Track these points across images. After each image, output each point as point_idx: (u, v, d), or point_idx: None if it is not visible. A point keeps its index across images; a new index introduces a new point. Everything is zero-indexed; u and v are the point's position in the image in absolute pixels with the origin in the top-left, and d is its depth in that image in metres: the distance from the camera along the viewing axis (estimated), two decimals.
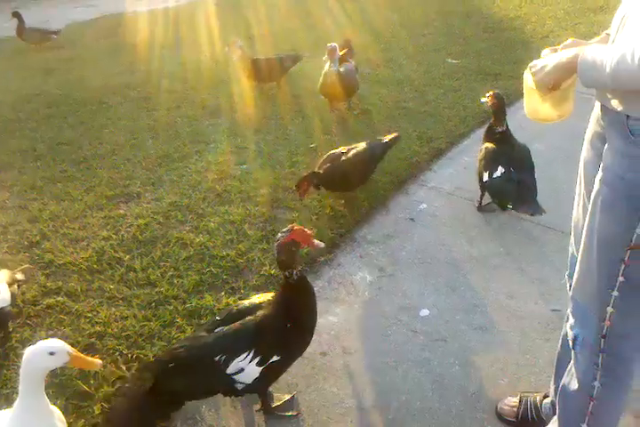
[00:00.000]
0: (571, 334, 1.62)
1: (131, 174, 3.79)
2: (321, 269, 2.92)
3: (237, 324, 1.91)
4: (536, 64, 1.50)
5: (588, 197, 1.50)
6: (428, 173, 3.87)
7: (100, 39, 7.27)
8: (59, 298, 2.66)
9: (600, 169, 1.42)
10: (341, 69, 4.39)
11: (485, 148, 3.27)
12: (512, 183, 3.08)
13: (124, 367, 2.27)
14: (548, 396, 2.04)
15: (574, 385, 1.63)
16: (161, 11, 8.39)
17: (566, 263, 1.80)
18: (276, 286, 2.20)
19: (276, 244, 1.89)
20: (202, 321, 2.48)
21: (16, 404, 1.65)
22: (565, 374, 1.70)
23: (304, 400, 2.18)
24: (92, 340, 2.41)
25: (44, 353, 1.60)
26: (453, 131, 4.37)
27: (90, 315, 2.56)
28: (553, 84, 1.47)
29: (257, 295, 2.09)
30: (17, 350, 2.34)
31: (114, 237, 3.11)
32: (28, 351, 1.62)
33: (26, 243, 3.08)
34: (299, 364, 2.31)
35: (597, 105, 1.49)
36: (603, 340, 1.51)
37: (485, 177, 3.19)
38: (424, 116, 4.62)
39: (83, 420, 2.07)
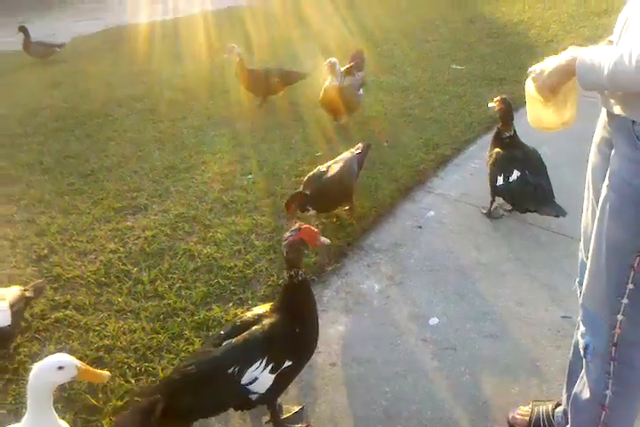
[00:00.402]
0: (582, 343, 1.61)
1: (138, 186, 3.80)
2: (329, 278, 2.91)
3: (245, 334, 1.91)
4: (535, 69, 1.50)
5: (597, 203, 1.49)
6: (434, 180, 3.86)
7: (104, 52, 7.32)
8: (67, 312, 2.66)
9: (607, 175, 1.41)
10: (345, 84, 4.32)
11: (496, 153, 3.26)
12: (530, 186, 3.07)
13: (132, 381, 2.26)
14: (560, 404, 2.01)
15: (586, 394, 1.62)
16: (162, 23, 8.45)
17: (576, 269, 1.78)
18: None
19: (284, 242, 1.93)
20: (210, 333, 2.47)
21: (24, 419, 1.65)
22: (577, 382, 1.68)
23: (314, 412, 2.17)
24: (101, 353, 2.41)
25: (52, 368, 1.60)
26: (459, 137, 4.36)
27: (98, 328, 2.56)
28: (553, 88, 1.46)
29: (258, 306, 2.09)
30: (26, 364, 2.33)
31: (121, 249, 3.11)
32: (37, 367, 1.62)
33: (34, 257, 3.09)
34: (308, 375, 2.31)
35: (604, 110, 1.48)
36: (614, 348, 1.49)
37: (500, 181, 3.18)
38: (429, 123, 4.61)
39: None
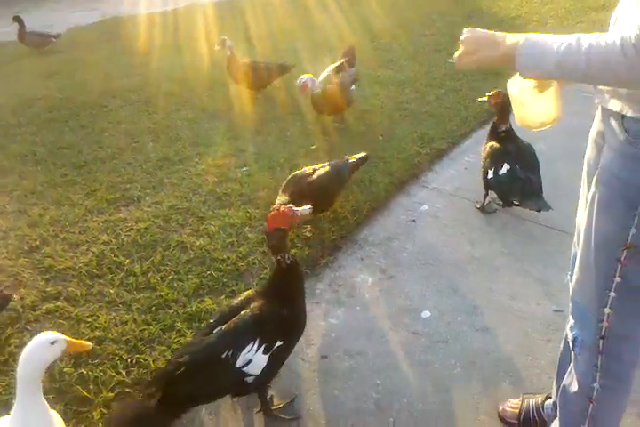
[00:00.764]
0: (570, 336, 1.61)
1: (131, 178, 3.78)
2: (322, 271, 2.91)
3: (235, 319, 1.93)
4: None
5: None
6: (429, 174, 3.85)
7: (100, 42, 7.28)
8: (58, 303, 2.65)
9: (598, 168, 1.41)
10: (329, 85, 4.21)
11: (490, 146, 3.26)
12: (518, 180, 3.07)
13: (123, 372, 2.26)
14: (550, 397, 2.02)
15: (574, 387, 1.62)
16: (160, 14, 8.40)
17: (569, 264, 1.78)
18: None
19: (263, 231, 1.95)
20: (202, 325, 2.46)
21: (14, 409, 1.65)
22: (566, 375, 1.69)
23: (305, 404, 2.17)
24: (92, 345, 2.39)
25: (46, 344, 1.63)
26: (454, 131, 4.35)
27: (89, 320, 2.55)
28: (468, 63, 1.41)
29: (245, 292, 2.11)
30: (16, 355, 2.30)
31: (114, 241, 3.10)
32: (30, 345, 1.63)
33: (26, 248, 3.07)
34: (300, 367, 2.31)
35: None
36: (601, 341, 1.49)
37: (490, 174, 3.19)
38: (425, 117, 4.60)
39: (82, 425, 2.06)
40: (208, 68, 5.84)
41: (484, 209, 3.38)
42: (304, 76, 4.11)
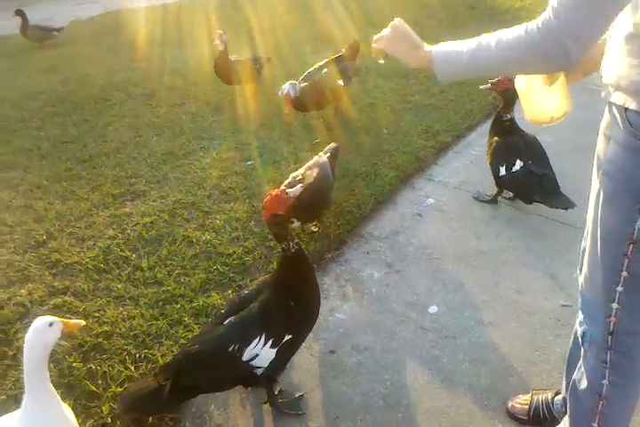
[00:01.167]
0: (580, 331, 1.61)
1: (136, 172, 3.78)
2: (328, 266, 2.90)
3: (243, 312, 1.92)
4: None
5: None
6: (434, 168, 3.84)
7: (102, 36, 7.25)
8: (66, 298, 2.65)
9: (604, 161, 1.40)
10: (305, 83, 4.03)
11: (495, 141, 3.23)
12: (534, 177, 3.03)
13: (131, 367, 2.26)
14: (559, 393, 2.01)
15: (584, 383, 1.62)
16: (162, 7, 8.37)
17: (577, 257, 1.78)
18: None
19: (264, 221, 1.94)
20: (209, 320, 2.46)
21: (25, 397, 1.66)
22: (576, 371, 1.68)
23: (313, 399, 2.17)
24: (100, 340, 2.40)
25: (45, 326, 1.67)
26: (459, 124, 4.34)
27: (97, 315, 2.55)
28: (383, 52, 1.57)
29: (255, 281, 2.09)
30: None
31: (120, 235, 3.09)
32: (31, 330, 1.67)
33: (32, 242, 3.07)
34: (307, 362, 2.31)
35: None
36: (610, 337, 1.49)
37: (502, 171, 3.15)
38: (429, 110, 4.59)
39: (91, 420, 2.06)
40: (211, 61, 5.80)
41: (477, 198, 3.42)
42: (285, 86, 3.88)
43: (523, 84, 1.58)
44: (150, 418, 2.06)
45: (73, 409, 2.04)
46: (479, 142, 3.99)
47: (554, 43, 1.19)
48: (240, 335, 1.88)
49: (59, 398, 1.72)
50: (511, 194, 3.35)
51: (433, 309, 2.60)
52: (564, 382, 1.95)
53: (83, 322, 1.82)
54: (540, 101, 1.58)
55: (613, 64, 1.30)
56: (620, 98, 1.29)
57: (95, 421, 2.06)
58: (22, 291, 2.70)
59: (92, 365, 2.27)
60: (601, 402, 1.58)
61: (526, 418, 2.02)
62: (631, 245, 1.35)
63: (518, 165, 3.08)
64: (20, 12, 6.75)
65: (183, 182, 3.62)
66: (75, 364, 2.28)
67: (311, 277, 2.04)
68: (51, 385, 1.69)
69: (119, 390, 2.16)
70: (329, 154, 3.14)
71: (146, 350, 2.34)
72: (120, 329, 2.45)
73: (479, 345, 2.39)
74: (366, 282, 2.79)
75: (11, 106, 5.03)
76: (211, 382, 1.91)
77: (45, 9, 8.74)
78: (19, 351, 2.35)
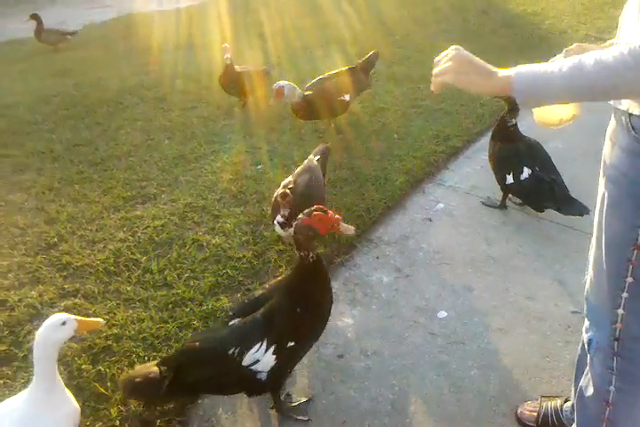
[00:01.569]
0: (586, 337, 1.60)
1: (147, 175, 3.80)
2: (337, 270, 2.90)
3: (249, 317, 1.90)
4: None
5: None
6: (444, 172, 3.83)
7: (116, 40, 7.31)
8: (76, 300, 2.67)
9: (608, 166, 1.40)
10: (305, 93, 3.94)
11: (499, 149, 3.18)
12: (544, 184, 2.99)
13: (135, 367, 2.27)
14: (569, 400, 2.00)
15: (590, 390, 1.61)
16: (175, 11, 8.43)
17: (587, 264, 1.77)
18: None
19: (295, 223, 1.86)
20: None
21: (30, 386, 1.72)
22: (582, 377, 1.67)
23: (321, 403, 2.17)
24: (109, 342, 2.41)
25: (57, 324, 1.71)
26: (470, 129, 4.33)
27: (107, 317, 2.56)
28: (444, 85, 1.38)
29: (266, 283, 2.07)
30: None
31: (130, 238, 3.11)
32: (42, 328, 1.70)
33: (43, 244, 3.09)
34: (315, 367, 2.31)
35: None
36: (616, 343, 1.48)
37: (510, 179, 3.12)
38: (440, 115, 4.58)
39: (100, 422, 2.07)
40: (220, 66, 5.83)
41: (486, 203, 3.41)
42: (282, 82, 3.85)
43: None
44: (158, 421, 2.06)
45: (82, 411, 2.06)
46: None
47: None
48: (242, 339, 1.87)
49: (64, 387, 1.78)
50: (519, 199, 3.34)
51: (442, 314, 2.60)
52: (573, 389, 1.93)
53: (102, 321, 1.84)
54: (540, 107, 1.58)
55: None
56: (624, 103, 1.29)
57: (104, 423, 2.07)
58: (33, 293, 2.72)
59: (101, 367, 2.28)
60: (608, 409, 1.57)
61: (535, 425, 2.00)
62: (635, 251, 1.34)
63: (526, 172, 3.04)
64: (35, 16, 6.82)
65: (194, 186, 3.64)
66: (84, 366, 2.29)
67: (324, 286, 1.97)
68: (58, 375, 1.74)
69: None
70: (319, 156, 3.12)
71: (155, 353, 2.35)
72: (129, 332, 2.46)
73: (488, 351, 2.38)
74: (375, 286, 2.79)
75: (24, 109, 5.08)
76: (210, 383, 1.90)
77: (58, 13, 8.82)
78: (29, 353, 2.37)
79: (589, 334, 1.58)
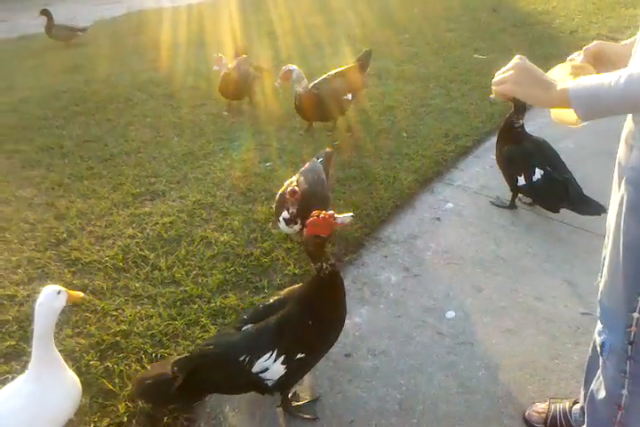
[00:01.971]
0: (599, 340, 1.58)
1: (156, 172, 3.81)
2: (346, 269, 2.90)
3: (261, 324, 1.90)
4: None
5: None
6: (454, 172, 3.82)
7: (126, 36, 7.32)
8: (84, 296, 2.67)
9: (627, 169, 1.38)
10: (304, 93, 3.97)
11: (507, 150, 3.14)
12: (558, 184, 2.96)
13: (148, 367, 2.27)
14: (577, 402, 1.99)
15: (602, 393, 1.59)
16: (185, 8, 8.43)
17: (597, 265, 1.75)
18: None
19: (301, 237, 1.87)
20: (226, 321, 2.47)
21: (30, 363, 1.80)
22: (594, 380, 1.66)
23: (328, 403, 2.16)
24: (118, 338, 2.42)
25: (54, 293, 1.84)
26: (480, 128, 4.31)
27: (115, 313, 2.57)
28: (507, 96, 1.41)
29: (282, 291, 2.06)
30: None
31: (139, 235, 3.12)
32: (41, 297, 1.82)
33: (53, 240, 3.10)
34: (323, 366, 2.31)
35: None
36: (630, 346, 1.46)
37: (522, 181, 3.09)
38: (450, 114, 4.57)
39: (108, 419, 2.08)
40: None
41: (494, 203, 3.40)
42: (292, 66, 3.95)
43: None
44: (165, 418, 2.07)
45: (89, 407, 2.08)
46: None
47: None
48: (253, 347, 1.87)
49: (64, 363, 1.88)
50: (529, 199, 3.32)
51: (450, 314, 2.59)
52: (582, 392, 1.92)
53: (81, 294, 2.01)
54: None
55: None
56: None
57: (111, 419, 2.08)
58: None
59: (109, 363, 2.29)
60: (620, 412, 1.55)
61: None
62: None
63: (538, 173, 3.01)
64: (45, 12, 6.84)
65: (203, 183, 3.64)
66: (92, 362, 2.30)
67: (338, 300, 1.96)
68: (57, 351, 1.84)
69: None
70: (322, 159, 3.12)
71: (162, 350, 2.35)
72: (137, 328, 2.47)
73: (497, 352, 2.37)
74: (383, 286, 2.78)
75: (35, 104, 5.10)
76: (221, 386, 1.93)
77: (68, 8, 8.85)
78: None
79: (602, 337, 1.56)
